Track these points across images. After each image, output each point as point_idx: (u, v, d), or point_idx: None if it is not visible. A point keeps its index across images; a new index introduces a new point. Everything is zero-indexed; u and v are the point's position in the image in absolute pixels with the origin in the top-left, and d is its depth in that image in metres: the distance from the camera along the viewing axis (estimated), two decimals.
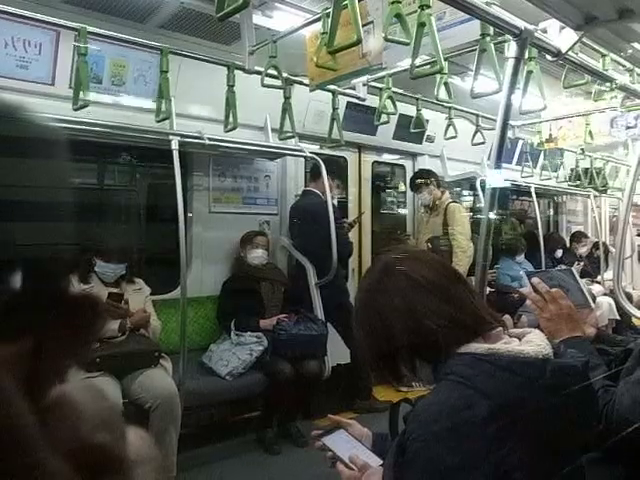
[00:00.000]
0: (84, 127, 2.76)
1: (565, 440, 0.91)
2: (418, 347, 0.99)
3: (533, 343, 0.95)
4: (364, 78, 3.28)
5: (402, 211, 5.36)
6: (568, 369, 0.92)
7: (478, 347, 0.93)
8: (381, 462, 1.11)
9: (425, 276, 1.01)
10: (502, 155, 2.14)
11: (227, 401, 3.24)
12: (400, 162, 5.23)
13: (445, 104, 3.43)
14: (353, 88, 3.50)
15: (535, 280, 1.41)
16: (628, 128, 4.60)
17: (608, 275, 5.69)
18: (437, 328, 0.95)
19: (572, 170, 5.98)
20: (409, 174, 5.13)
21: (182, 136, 3.11)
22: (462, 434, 0.84)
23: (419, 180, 4.56)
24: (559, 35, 2.17)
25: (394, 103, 3.30)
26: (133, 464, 0.47)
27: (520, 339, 1.00)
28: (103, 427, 0.46)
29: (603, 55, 2.77)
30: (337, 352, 3.74)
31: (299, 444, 3.28)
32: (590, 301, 1.54)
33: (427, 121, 3.83)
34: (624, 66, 3.03)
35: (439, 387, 0.93)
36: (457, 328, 0.96)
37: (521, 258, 5.39)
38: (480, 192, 4.50)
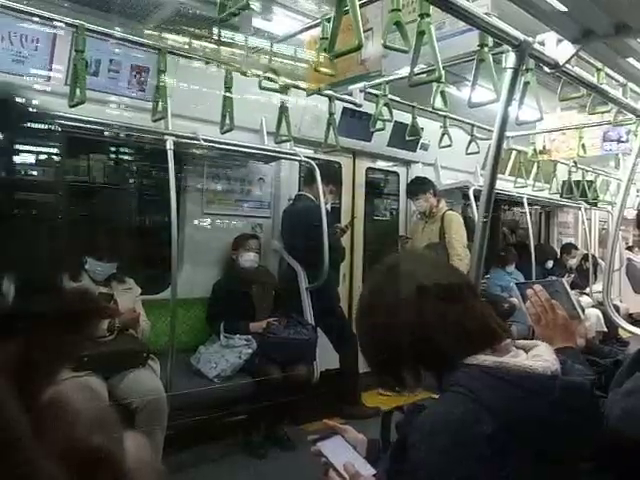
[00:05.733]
0: (78, 124, 2.75)
1: (570, 457, 0.90)
2: (422, 354, 0.95)
3: (541, 358, 0.91)
4: (361, 84, 3.29)
5: (394, 217, 5.37)
6: (576, 387, 0.89)
7: (485, 359, 0.89)
8: (374, 472, 1.09)
9: (433, 280, 0.97)
10: (498, 164, 2.15)
11: (214, 403, 3.22)
12: (394, 169, 5.24)
13: (440, 113, 3.44)
14: (350, 94, 3.51)
15: (538, 287, 1.41)
16: (620, 142, 4.65)
17: (596, 287, 5.73)
18: (443, 336, 0.91)
19: (564, 182, 6.04)
20: (403, 181, 5.15)
21: (177, 136, 3.10)
22: (467, 448, 0.82)
23: (416, 187, 4.58)
24: (556, 48, 2.19)
25: (390, 110, 3.31)
26: (134, 469, 0.46)
27: (527, 351, 0.96)
28: (97, 427, 0.45)
29: (598, 69, 2.80)
30: (326, 357, 3.73)
31: (285, 448, 3.26)
32: (580, 312, 1.55)
33: (422, 129, 3.85)
34: (618, 81, 3.07)
35: (444, 398, 0.90)
36: (464, 337, 0.92)
37: (511, 268, 5.42)
38: (473, 201, 4.52)
